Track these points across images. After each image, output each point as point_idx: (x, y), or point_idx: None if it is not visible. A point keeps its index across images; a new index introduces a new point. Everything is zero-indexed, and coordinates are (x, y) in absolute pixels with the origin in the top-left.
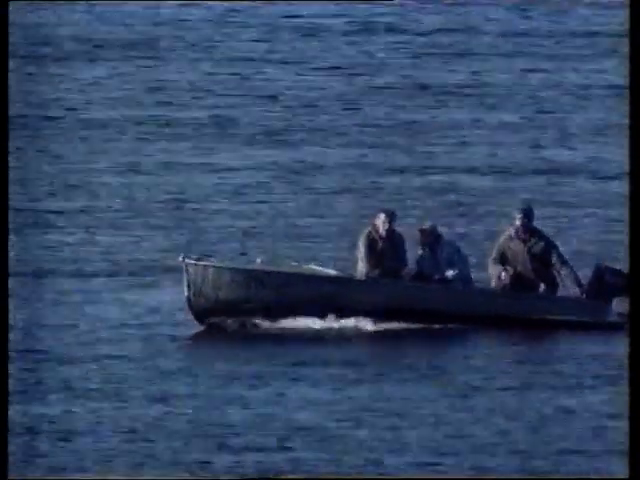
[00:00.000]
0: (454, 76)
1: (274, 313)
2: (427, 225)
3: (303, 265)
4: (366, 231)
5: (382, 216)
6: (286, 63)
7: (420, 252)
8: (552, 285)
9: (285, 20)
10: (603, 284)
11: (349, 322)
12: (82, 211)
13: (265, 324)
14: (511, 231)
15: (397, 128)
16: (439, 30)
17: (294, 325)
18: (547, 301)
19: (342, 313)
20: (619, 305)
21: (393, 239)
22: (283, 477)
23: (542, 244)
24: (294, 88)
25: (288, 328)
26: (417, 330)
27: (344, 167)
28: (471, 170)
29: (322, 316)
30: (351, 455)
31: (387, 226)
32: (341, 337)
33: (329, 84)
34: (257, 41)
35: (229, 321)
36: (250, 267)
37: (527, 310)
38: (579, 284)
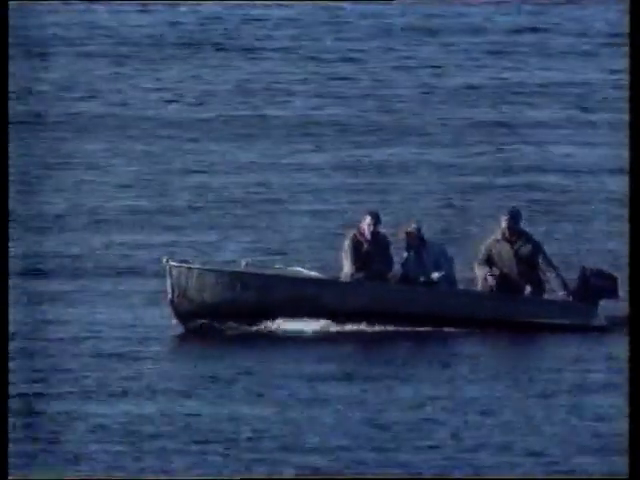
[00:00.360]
0: (535, 75)
1: (258, 315)
2: (412, 227)
3: (287, 268)
4: (351, 233)
5: (367, 218)
6: (366, 62)
7: (405, 254)
8: (538, 288)
9: (364, 20)
10: (589, 287)
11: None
12: (163, 211)
13: (250, 327)
14: (498, 233)
15: (479, 128)
16: (517, 30)
17: (282, 327)
18: (533, 304)
19: (327, 316)
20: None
21: (378, 241)
22: (285, 477)
23: (529, 246)
24: (374, 87)
25: (275, 330)
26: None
27: (426, 166)
28: (554, 170)
29: (307, 318)
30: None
31: (372, 228)
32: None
33: (410, 83)
34: (340, 40)
35: (214, 323)
36: (234, 269)
37: (513, 313)
38: (565, 287)
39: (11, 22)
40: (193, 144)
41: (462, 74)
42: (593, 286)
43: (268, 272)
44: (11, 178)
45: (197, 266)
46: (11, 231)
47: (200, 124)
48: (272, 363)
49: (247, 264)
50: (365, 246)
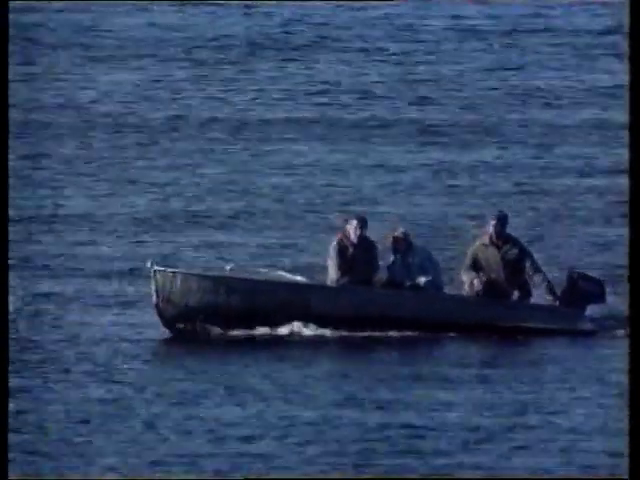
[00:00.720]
0: (614, 77)
1: (243, 320)
2: (399, 232)
3: (272, 272)
4: (337, 238)
5: (354, 222)
6: (445, 64)
7: (392, 259)
8: (525, 292)
9: (442, 22)
10: (577, 291)
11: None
12: (245, 212)
13: (235, 331)
14: (485, 238)
15: (560, 129)
16: (599, 32)
17: (265, 332)
18: (520, 308)
19: (312, 320)
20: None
21: (364, 246)
22: (286, 477)
23: (516, 251)
24: (454, 89)
25: (259, 335)
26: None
27: (510, 167)
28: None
29: (291, 323)
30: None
31: (359, 232)
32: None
33: (489, 84)
34: (417, 42)
35: (199, 328)
36: (218, 274)
37: (500, 317)
38: (552, 291)
39: (83, 25)
40: (276, 145)
41: (542, 75)
42: (581, 290)
43: (253, 277)
44: (98, 180)
45: (181, 270)
46: (99, 234)
47: (282, 125)
48: (359, 365)
49: (232, 269)
50: (351, 250)
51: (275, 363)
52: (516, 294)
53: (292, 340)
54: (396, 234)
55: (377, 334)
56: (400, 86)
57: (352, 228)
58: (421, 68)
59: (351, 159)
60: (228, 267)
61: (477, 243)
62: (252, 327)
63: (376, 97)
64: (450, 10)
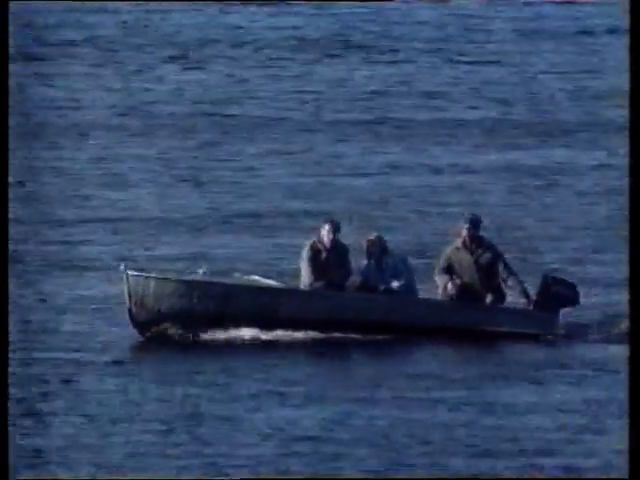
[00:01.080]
0: None
1: (217, 324)
2: (373, 236)
3: (245, 276)
4: (310, 242)
5: (327, 226)
6: (512, 65)
7: (365, 263)
8: (499, 296)
9: (507, 22)
10: (551, 295)
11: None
12: (315, 214)
13: (207, 335)
14: (458, 241)
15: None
16: None
17: (238, 336)
18: (494, 312)
19: (286, 324)
20: None
21: (337, 250)
22: (284, 477)
23: (489, 254)
24: (522, 91)
25: (232, 339)
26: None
27: (588, 169)
28: None
29: (265, 327)
30: None
31: (332, 236)
32: None
33: (555, 85)
34: (486, 43)
35: (171, 332)
36: (192, 278)
37: (473, 321)
38: (526, 295)
39: (161, 25)
40: (347, 146)
41: (608, 76)
42: (554, 294)
43: (226, 281)
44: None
45: (154, 275)
46: (170, 234)
47: (341, 125)
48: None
49: (204, 273)
50: (324, 254)
51: (257, 366)
52: (490, 298)
53: (264, 343)
54: (370, 237)
55: (350, 337)
56: (470, 86)
57: (325, 232)
58: (490, 69)
59: (421, 159)
60: (201, 271)
61: (451, 246)
62: (225, 331)
63: (446, 98)
64: (519, 11)
